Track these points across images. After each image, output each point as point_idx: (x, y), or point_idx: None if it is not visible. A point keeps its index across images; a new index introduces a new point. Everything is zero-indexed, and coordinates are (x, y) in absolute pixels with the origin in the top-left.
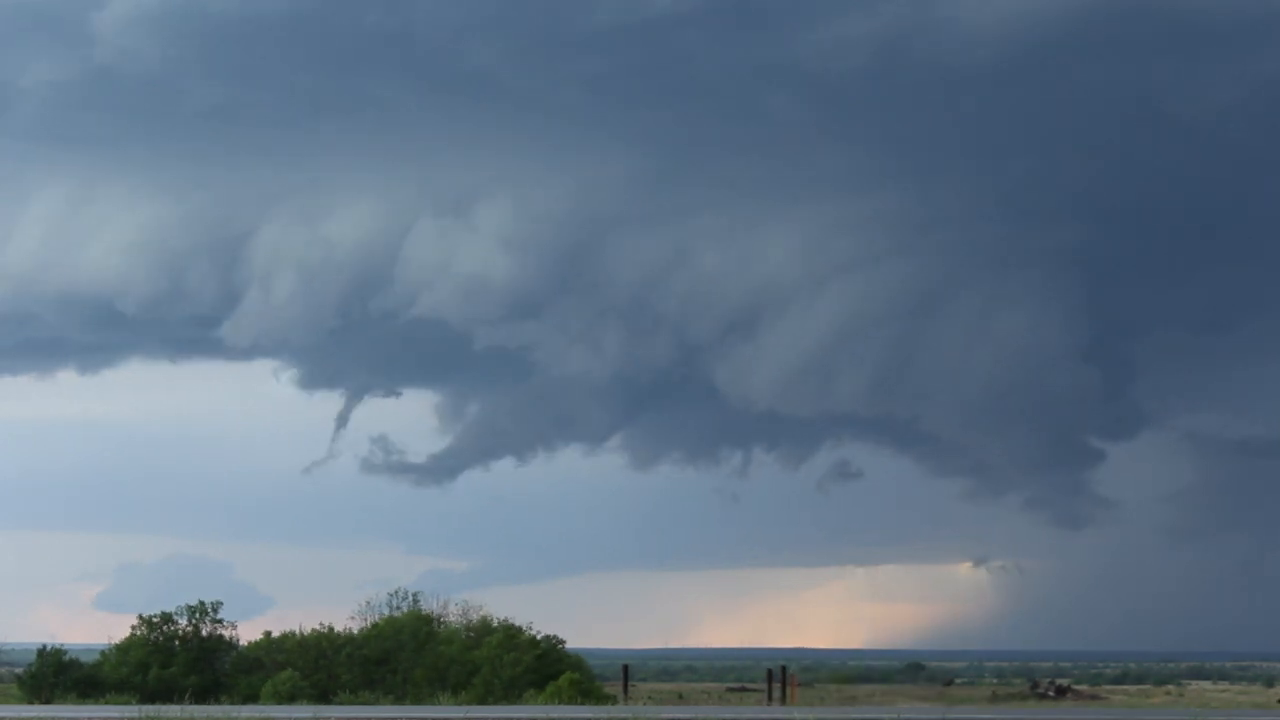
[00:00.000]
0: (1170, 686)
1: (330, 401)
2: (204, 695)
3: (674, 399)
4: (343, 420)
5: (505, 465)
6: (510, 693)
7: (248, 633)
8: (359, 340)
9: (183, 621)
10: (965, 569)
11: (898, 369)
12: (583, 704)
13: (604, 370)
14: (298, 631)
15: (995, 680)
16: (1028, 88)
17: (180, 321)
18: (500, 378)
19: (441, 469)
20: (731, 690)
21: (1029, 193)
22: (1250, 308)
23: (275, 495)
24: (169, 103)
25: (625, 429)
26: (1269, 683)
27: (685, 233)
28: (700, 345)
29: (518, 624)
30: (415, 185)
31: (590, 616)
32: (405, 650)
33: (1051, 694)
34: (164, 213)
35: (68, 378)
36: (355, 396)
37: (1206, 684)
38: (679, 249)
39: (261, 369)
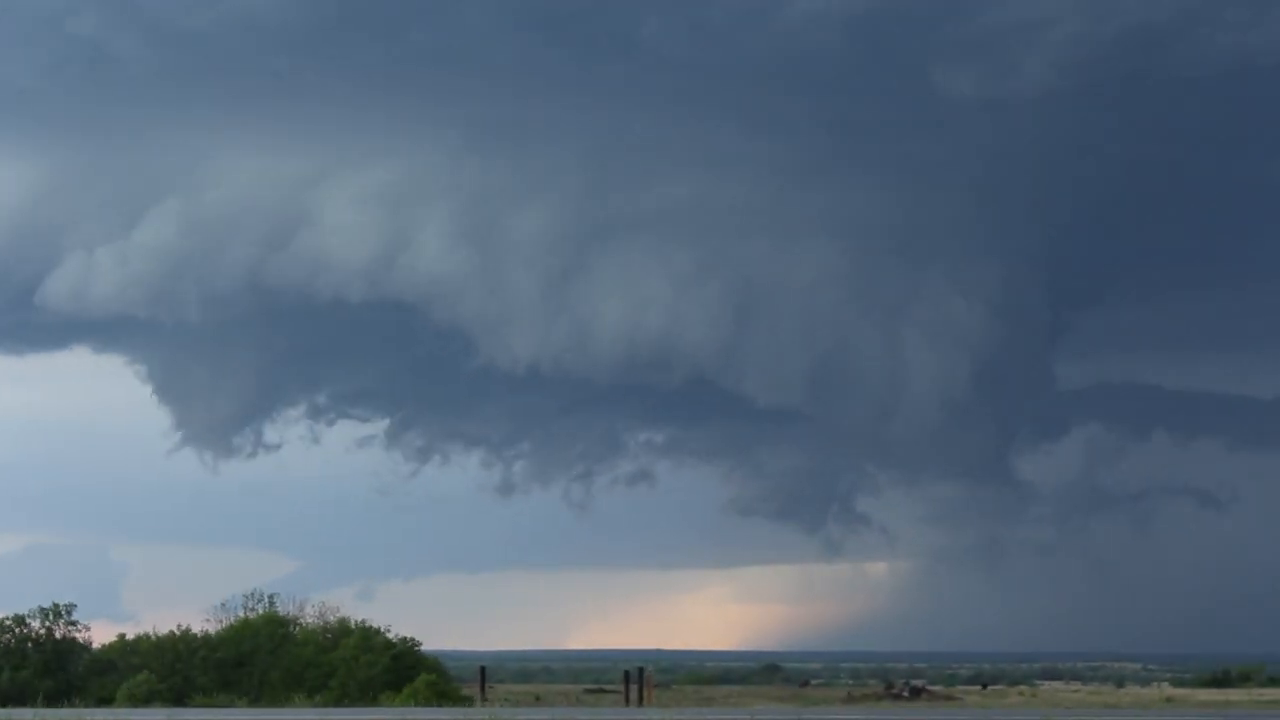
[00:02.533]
0: (1023, 687)
1: None
2: (57, 699)
3: None
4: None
5: None
6: (366, 694)
7: (101, 634)
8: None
9: (35, 624)
10: (825, 569)
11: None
12: (439, 705)
13: None
14: (152, 633)
15: (851, 681)
16: None
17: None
18: None
19: None
20: (589, 692)
21: None
22: None
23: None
24: None
25: None
26: (1119, 683)
27: None
28: None
29: (375, 625)
30: None
31: (448, 618)
32: (261, 652)
33: (906, 694)
34: None
35: None
36: None
37: (1059, 684)
38: None
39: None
